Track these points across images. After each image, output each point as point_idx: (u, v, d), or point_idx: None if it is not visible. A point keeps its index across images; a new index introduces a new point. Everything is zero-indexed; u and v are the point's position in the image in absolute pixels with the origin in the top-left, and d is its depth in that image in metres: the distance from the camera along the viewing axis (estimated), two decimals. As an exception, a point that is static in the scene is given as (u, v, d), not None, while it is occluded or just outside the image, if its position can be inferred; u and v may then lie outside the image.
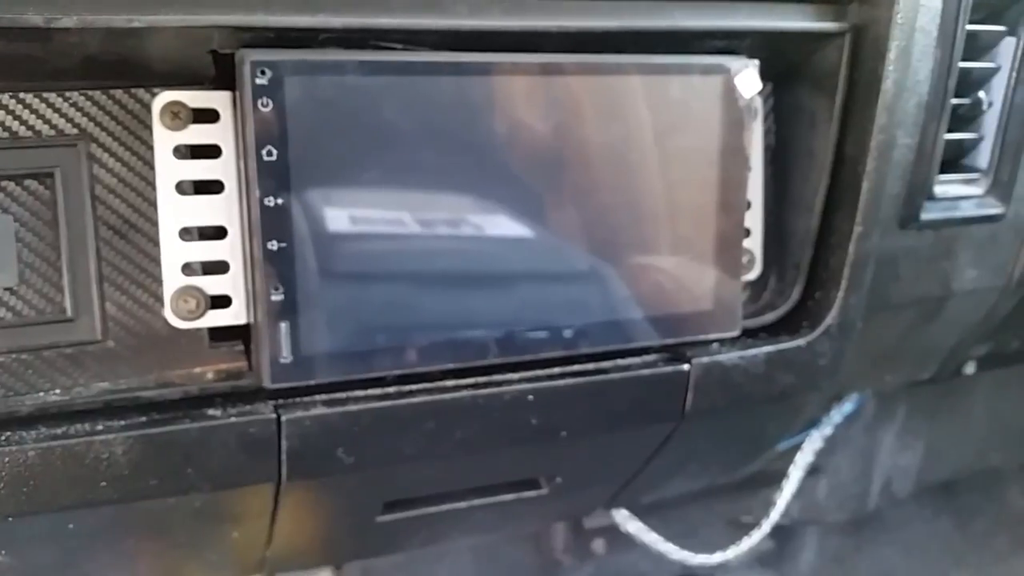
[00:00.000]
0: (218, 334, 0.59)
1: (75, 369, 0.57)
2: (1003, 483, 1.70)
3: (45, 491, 0.53)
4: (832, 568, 1.58)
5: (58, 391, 0.56)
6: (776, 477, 1.13)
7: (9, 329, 0.55)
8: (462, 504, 0.74)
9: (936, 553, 1.64)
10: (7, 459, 0.52)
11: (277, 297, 0.54)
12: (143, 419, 0.56)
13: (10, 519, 0.54)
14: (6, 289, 0.54)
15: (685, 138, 0.63)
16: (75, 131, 0.55)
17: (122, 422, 0.55)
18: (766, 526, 1.07)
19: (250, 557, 0.76)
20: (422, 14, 0.54)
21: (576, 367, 0.66)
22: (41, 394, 0.56)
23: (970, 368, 1.12)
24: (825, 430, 1.05)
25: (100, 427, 0.55)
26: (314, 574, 1.16)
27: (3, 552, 0.61)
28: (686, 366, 0.68)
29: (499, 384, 0.63)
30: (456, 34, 0.56)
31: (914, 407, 1.41)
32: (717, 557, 1.07)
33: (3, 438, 0.53)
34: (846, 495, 1.44)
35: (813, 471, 1.35)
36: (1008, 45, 0.79)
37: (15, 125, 0.53)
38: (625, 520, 1.04)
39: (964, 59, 0.75)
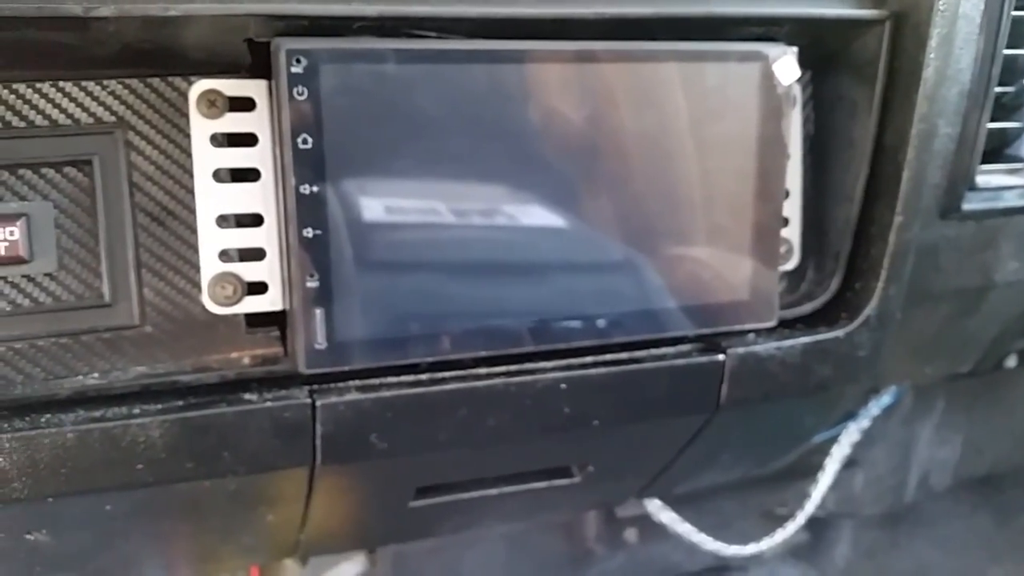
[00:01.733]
0: (255, 320, 0.59)
1: (113, 353, 0.57)
2: (1043, 479, 1.68)
3: (83, 473, 0.54)
4: (866, 562, 1.56)
5: (96, 375, 0.57)
6: (811, 469, 1.12)
7: (48, 314, 0.55)
8: (494, 491, 0.75)
9: (973, 549, 1.61)
10: (47, 441, 0.53)
11: (312, 284, 0.54)
12: (180, 403, 0.56)
13: (50, 499, 0.55)
14: (46, 275, 0.55)
15: (722, 126, 0.62)
16: (113, 119, 0.55)
17: (159, 406, 0.56)
18: (800, 518, 1.06)
19: (284, 540, 0.77)
20: (456, 2, 0.54)
21: (610, 356, 0.65)
22: (80, 378, 0.56)
23: (1011, 361, 1.10)
24: (862, 423, 1.03)
25: (137, 411, 0.55)
26: (348, 558, 1.18)
27: (44, 531, 0.62)
28: (721, 356, 0.67)
29: (532, 372, 0.63)
30: (490, 22, 0.55)
31: (953, 400, 1.39)
32: (750, 548, 1.06)
33: (43, 420, 0.53)
34: (882, 488, 1.42)
35: (849, 464, 1.34)
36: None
37: (55, 113, 0.54)
38: (658, 510, 1.03)
39: (1008, 46, 0.73)
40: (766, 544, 1.06)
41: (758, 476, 1.29)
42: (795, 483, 1.21)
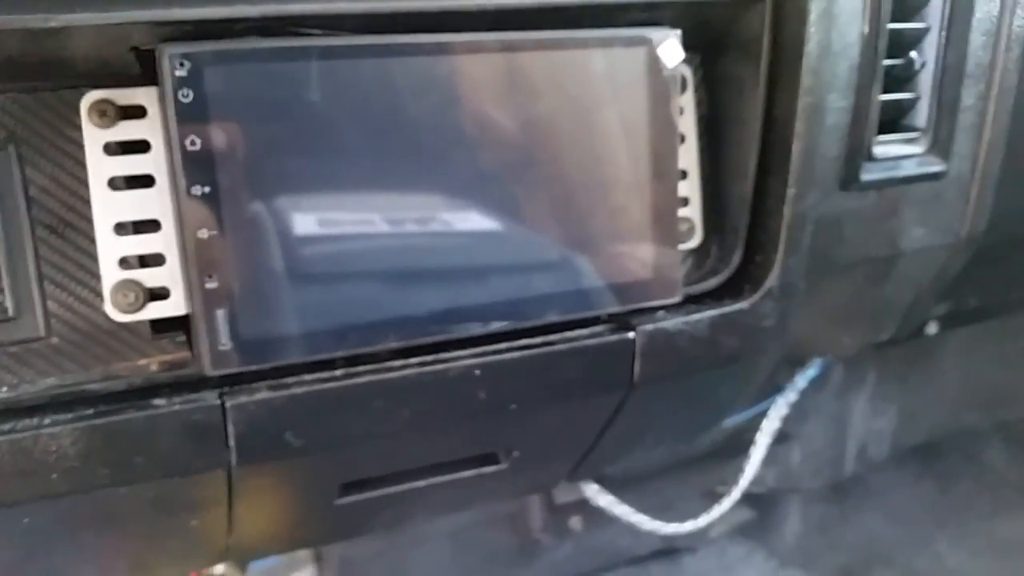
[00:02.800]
0: (160, 325, 0.60)
1: (20, 366, 0.58)
2: (981, 443, 1.73)
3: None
4: (816, 536, 1.60)
5: (4, 388, 0.57)
6: (748, 446, 1.15)
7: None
8: (421, 483, 0.76)
9: (919, 517, 1.66)
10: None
11: (211, 285, 0.55)
12: (90, 411, 0.57)
13: (-38, 516, 0.55)
14: None
15: (613, 110, 0.64)
16: (4, 135, 0.55)
17: (69, 415, 0.56)
18: (736, 493, 1.08)
19: (212, 545, 0.78)
20: (343, -2, 0.56)
21: (522, 341, 0.67)
22: (-11, 391, 0.57)
23: (932, 328, 1.14)
24: (790, 396, 1.07)
25: (48, 421, 0.56)
26: (296, 567, 1.18)
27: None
28: (631, 334, 0.69)
29: (445, 360, 0.64)
30: (374, 17, 0.56)
31: (884, 371, 1.43)
32: (689, 526, 1.09)
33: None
34: (820, 461, 1.46)
35: (784, 438, 1.38)
36: (936, 4, 0.80)
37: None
38: (596, 494, 1.05)
39: (893, 20, 0.76)
40: (704, 521, 1.09)
41: (698, 456, 1.32)
42: (733, 460, 1.24)
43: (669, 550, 1.45)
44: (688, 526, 1.09)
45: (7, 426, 0.55)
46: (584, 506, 1.24)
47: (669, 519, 1.15)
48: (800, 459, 1.44)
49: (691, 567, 1.48)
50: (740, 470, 1.13)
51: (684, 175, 0.71)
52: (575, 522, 1.36)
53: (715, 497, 1.22)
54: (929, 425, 1.57)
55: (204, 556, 0.81)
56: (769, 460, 1.33)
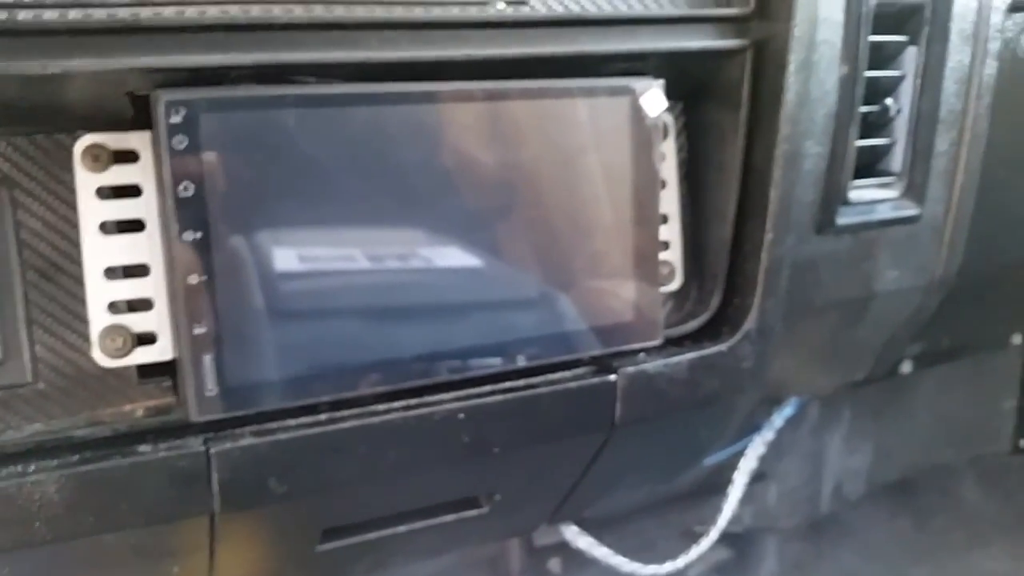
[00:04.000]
0: (147, 371, 0.60)
1: (6, 412, 0.58)
2: (956, 479, 1.75)
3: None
4: (793, 574, 1.61)
5: (-10, 434, 0.58)
6: (726, 485, 1.16)
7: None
8: (403, 528, 0.76)
9: (896, 554, 1.68)
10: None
11: (200, 331, 0.56)
12: (75, 458, 0.57)
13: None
14: None
15: (597, 158, 0.66)
16: (9, 175, 0.56)
17: (54, 462, 0.56)
18: (714, 533, 1.10)
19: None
20: (333, 48, 0.57)
21: (505, 384, 0.68)
22: (-30, 439, 0.57)
23: (906, 367, 1.16)
24: (767, 435, 1.08)
25: (32, 468, 0.56)
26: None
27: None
28: (613, 376, 0.70)
29: (429, 405, 0.65)
30: (367, 66, 0.58)
31: (859, 409, 1.46)
32: (667, 567, 1.09)
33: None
34: (797, 500, 1.48)
35: (761, 477, 1.39)
36: (911, 54, 0.84)
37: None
38: (575, 536, 1.06)
39: (870, 68, 0.79)
40: (683, 562, 1.10)
41: (677, 495, 1.33)
42: (712, 500, 1.26)
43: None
44: (667, 567, 1.10)
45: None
46: (564, 548, 1.24)
47: (648, 559, 1.16)
48: (777, 498, 1.45)
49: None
50: (718, 509, 1.14)
51: (665, 219, 0.73)
52: (554, 564, 1.36)
53: (694, 537, 1.23)
54: (904, 462, 1.60)
55: (183, 602, 0.80)
56: (746, 499, 1.35)
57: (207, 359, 0.56)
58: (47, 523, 0.56)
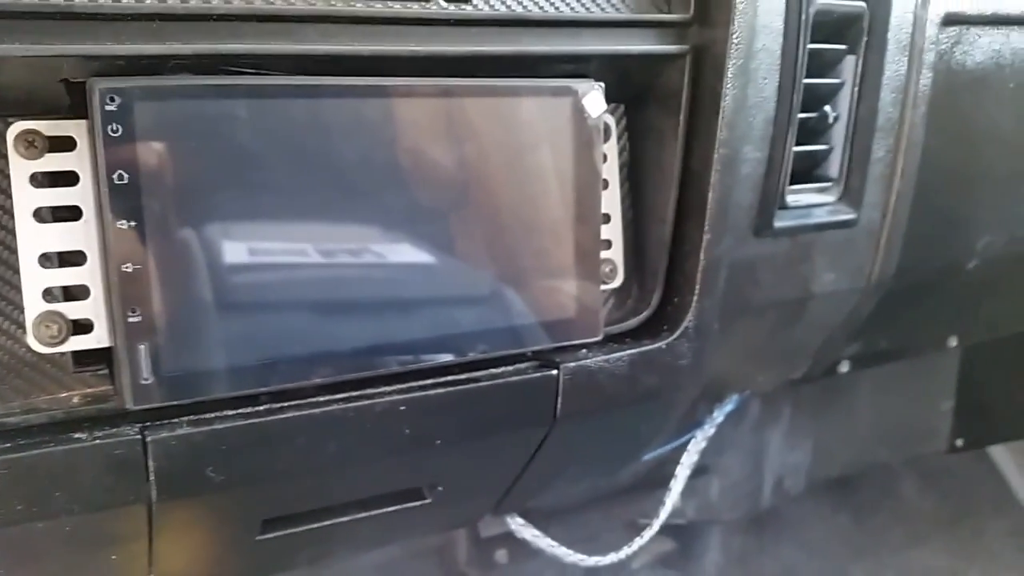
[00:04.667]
0: (83, 358, 0.59)
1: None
2: (894, 477, 1.78)
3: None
4: (736, 568, 1.63)
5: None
6: (669, 479, 1.17)
7: None
8: (345, 518, 0.75)
9: (836, 549, 1.70)
10: None
11: (134, 319, 0.54)
12: (7, 445, 0.56)
13: None
14: None
15: (540, 157, 0.66)
16: None
17: (-13, 448, 0.55)
18: (656, 525, 1.10)
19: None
20: (272, 40, 0.56)
21: (448, 377, 0.67)
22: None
23: (844, 367, 1.18)
24: (708, 430, 1.09)
25: None
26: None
27: None
28: (555, 371, 0.70)
29: (371, 396, 0.64)
30: (307, 58, 0.57)
31: (799, 407, 1.47)
32: (611, 558, 1.10)
33: None
34: (738, 494, 1.49)
35: (703, 471, 1.40)
36: (849, 63, 0.84)
37: None
38: (520, 527, 1.06)
39: (809, 76, 0.79)
40: (625, 553, 1.10)
41: (621, 488, 1.34)
42: (655, 493, 1.26)
43: (591, 580, 1.45)
44: (611, 558, 1.10)
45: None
46: (510, 539, 1.24)
47: (592, 551, 1.16)
48: (719, 491, 1.46)
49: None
50: (661, 502, 1.15)
51: (608, 219, 0.73)
52: (501, 555, 1.36)
53: (637, 529, 1.24)
54: (844, 460, 1.62)
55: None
56: (689, 492, 1.36)
57: (142, 347, 0.55)
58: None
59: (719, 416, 1.08)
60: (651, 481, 1.28)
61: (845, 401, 1.53)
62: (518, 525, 1.06)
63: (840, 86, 0.85)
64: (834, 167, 0.87)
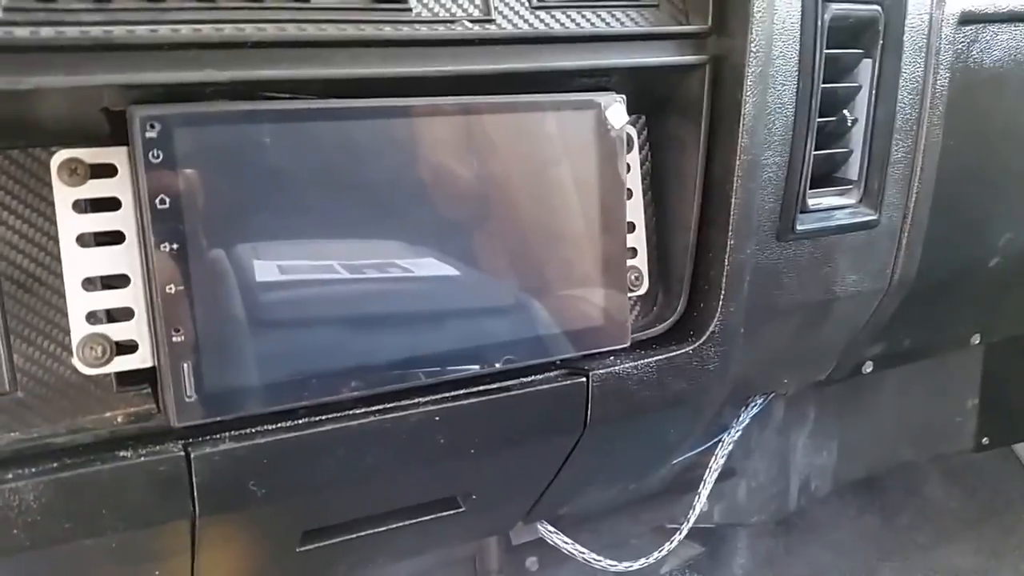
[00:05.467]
0: (126, 378, 0.60)
1: (-16, 421, 0.58)
2: (920, 477, 1.77)
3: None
4: (764, 570, 1.62)
5: (-27, 441, 0.57)
6: (696, 483, 1.17)
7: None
8: (382, 528, 0.76)
9: (863, 550, 1.69)
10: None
11: (178, 339, 0.56)
12: (54, 465, 0.57)
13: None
14: None
15: (565, 169, 0.67)
16: None
17: (33, 469, 0.56)
18: (685, 529, 1.10)
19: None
20: (305, 65, 0.57)
21: (480, 387, 0.68)
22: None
23: (868, 367, 1.17)
24: (734, 434, 1.09)
25: (10, 475, 0.56)
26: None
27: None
28: (584, 379, 0.71)
29: (406, 408, 0.66)
30: (339, 82, 0.59)
31: (824, 408, 1.47)
32: (640, 563, 1.10)
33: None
34: (765, 497, 1.49)
35: (730, 474, 1.40)
36: (866, 66, 0.85)
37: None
38: (550, 534, 1.06)
39: (826, 81, 0.80)
40: (654, 558, 1.10)
41: (650, 494, 1.34)
42: (683, 497, 1.26)
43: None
44: (639, 564, 1.11)
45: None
46: (540, 546, 1.25)
47: (622, 556, 1.16)
48: (746, 494, 1.46)
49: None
50: (689, 507, 1.15)
51: (632, 227, 0.74)
52: (532, 562, 1.36)
53: (666, 534, 1.24)
54: (869, 460, 1.61)
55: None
56: (716, 496, 1.36)
57: (185, 366, 0.56)
58: (25, 529, 0.56)
59: (745, 419, 1.08)
60: (678, 486, 1.28)
61: (870, 401, 1.52)
62: (548, 532, 1.07)
63: (858, 89, 0.85)
64: (854, 169, 0.87)
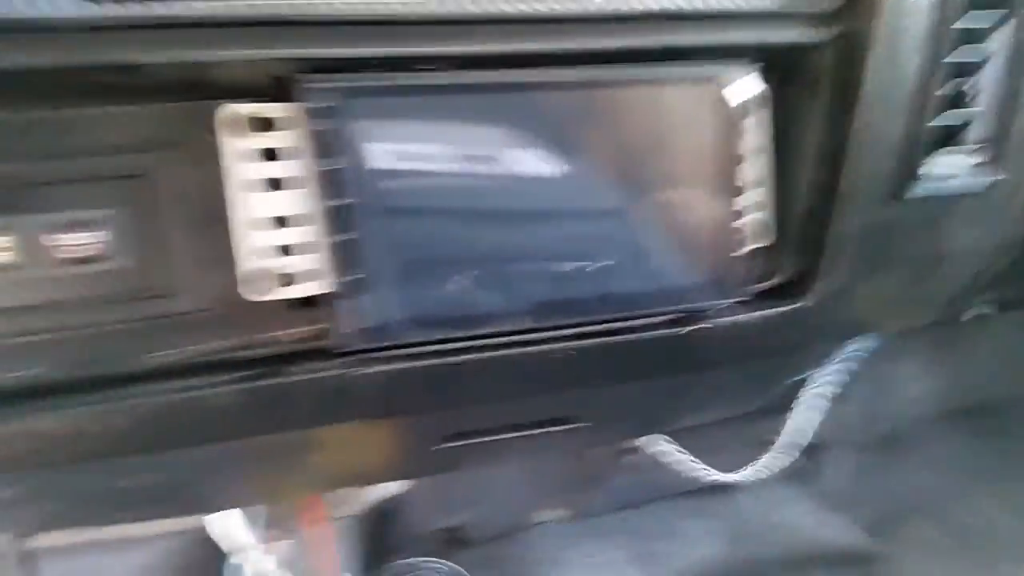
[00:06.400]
0: (293, 305, 0.66)
1: (175, 336, 0.65)
2: (1024, 408, 1.72)
3: (170, 432, 0.65)
4: (859, 484, 1.63)
5: (173, 351, 0.65)
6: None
7: (127, 303, 0.63)
8: (510, 435, 0.83)
9: (963, 472, 1.67)
10: (140, 408, 0.63)
11: (344, 279, 0.62)
12: (240, 375, 0.65)
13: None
14: (123, 270, 0.63)
15: (695, 133, 0.69)
16: (157, 139, 0.61)
17: (226, 376, 0.65)
18: (781, 443, 1.12)
19: (329, 477, 0.87)
20: (454, 41, 0.61)
21: (611, 331, 0.73)
22: (158, 354, 0.65)
23: (983, 310, 1.15)
24: (844, 363, 1.09)
25: (214, 380, 0.65)
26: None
27: (135, 478, 0.72)
28: (704, 325, 0.75)
29: (543, 342, 0.71)
30: (481, 57, 0.62)
31: (933, 340, 1.44)
32: (736, 475, 1.14)
33: (137, 390, 0.63)
34: (869, 417, 1.48)
35: (835, 395, 1.40)
36: (1004, 30, 0.80)
37: (109, 136, 0.60)
38: (650, 441, 1.10)
39: (953, 49, 0.76)
40: (751, 470, 1.14)
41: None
42: (784, 413, 1.28)
43: (722, 485, 1.50)
44: (735, 475, 1.15)
45: (178, 384, 0.64)
46: (639, 451, 1.30)
47: (719, 464, 1.20)
48: (849, 414, 1.46)
49: (741, 503, 1.54)
50: (786, 422, 1.17)
51: (753, 186, 0.75)
52: (635, 459, 1.42)
53: (766, 446, 1.27)
54: (974, 390, 1.58)
55: (319, 484, 0.90)
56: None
57: (349, 302, 0.63)
58: (222, 423, 0.65)
59: (853, 351, 1.08)
60: (783, 403, 1.30)
61: (977, 338, 1.49)
62: (650, 441, 1.11)
63: (986, 60, 0.81)
64: (975, 133, 0.84)
